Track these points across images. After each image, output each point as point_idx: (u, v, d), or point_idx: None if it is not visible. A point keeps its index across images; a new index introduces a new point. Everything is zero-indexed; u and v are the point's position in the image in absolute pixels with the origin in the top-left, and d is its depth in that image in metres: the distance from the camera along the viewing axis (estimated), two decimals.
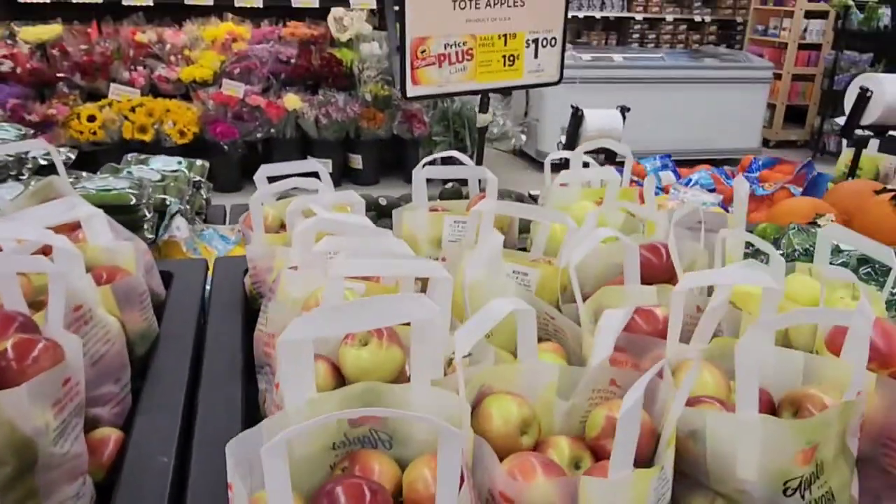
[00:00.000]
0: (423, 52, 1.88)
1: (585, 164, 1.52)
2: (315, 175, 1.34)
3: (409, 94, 2.00)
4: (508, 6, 1.97)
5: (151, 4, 5.34)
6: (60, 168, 1.23)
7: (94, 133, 4.67)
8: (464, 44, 1.94)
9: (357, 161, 5.32)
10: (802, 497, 0.68)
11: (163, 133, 4.78)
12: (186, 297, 1.26)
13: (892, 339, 0.85)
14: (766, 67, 6.25)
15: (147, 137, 4.75)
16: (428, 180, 1.32)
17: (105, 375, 0.95)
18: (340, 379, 0.78)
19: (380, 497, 0.61)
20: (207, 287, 1.35)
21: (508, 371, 0.77)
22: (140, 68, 5.05)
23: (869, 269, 1.18)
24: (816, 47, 7.06)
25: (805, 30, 7.00)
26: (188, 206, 1.90)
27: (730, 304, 1.03)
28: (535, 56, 2.06)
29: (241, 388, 0.99)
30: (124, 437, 0.90)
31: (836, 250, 1.27)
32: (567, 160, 1.51)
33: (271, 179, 1.31)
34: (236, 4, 5.45)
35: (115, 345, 0.97)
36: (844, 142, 3.75)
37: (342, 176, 5.34)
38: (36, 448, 0.71)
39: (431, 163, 1.39)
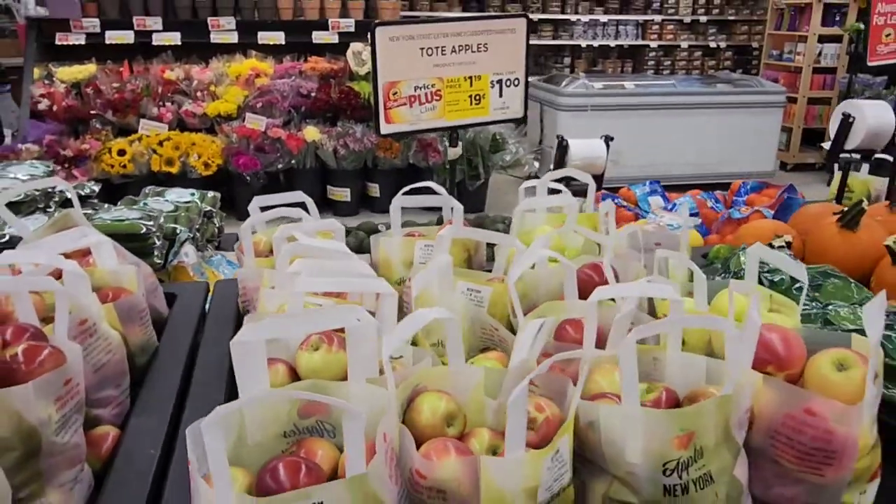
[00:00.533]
0: (394, 94, 2.04)
1: (558, 191, 1.65)
2: (303, 205, 1.49)
3: (382, 132, 2.20)
4: (473, 51, 2.13)
5: (180, 44, 5.61)
6: (76, 202, 1.39)
7: (124, 166, 4.92)
8: (432, 86, 2.11)
9: (375, 189, 5.50)
10: (680, 477, 0.78)
11: (189, 165, 5.01)
12: (186, 315, 1.41)
13: (792, 346, 0.96)
14: (779, 92, 6.32)
15: (174, 170, 4.99)
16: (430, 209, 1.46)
17: (106, 381, 1.09)
18: (297, 378, 0.91)
19: (314, 473, 0.74)
20: (207, 307, 1.49)
21: (440, 373, 0.89)
22: (168, 104, 5.31)
23: (801, 285, 1.27)
24: (831, 71, 7.11)
25: (819, 54, 7.06)
26: (199, 234, 2.05)
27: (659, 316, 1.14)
28: (500, 95, 2.21)
29: (225, 394, 1.12)
30: (121, 434, 1.04)
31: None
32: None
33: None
34: (260, 42, 5.70)
35: (116, 355, 1.11)
36: (866, 167, 3.81)
37: (360, 204, 5.52)
38: (40, 437, 0.85)
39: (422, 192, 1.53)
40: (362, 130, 5.23)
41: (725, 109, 6.14)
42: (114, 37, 5.49)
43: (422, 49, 2.10)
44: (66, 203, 2.06)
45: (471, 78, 2.15)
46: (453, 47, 2.13)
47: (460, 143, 2.27)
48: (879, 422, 0.96)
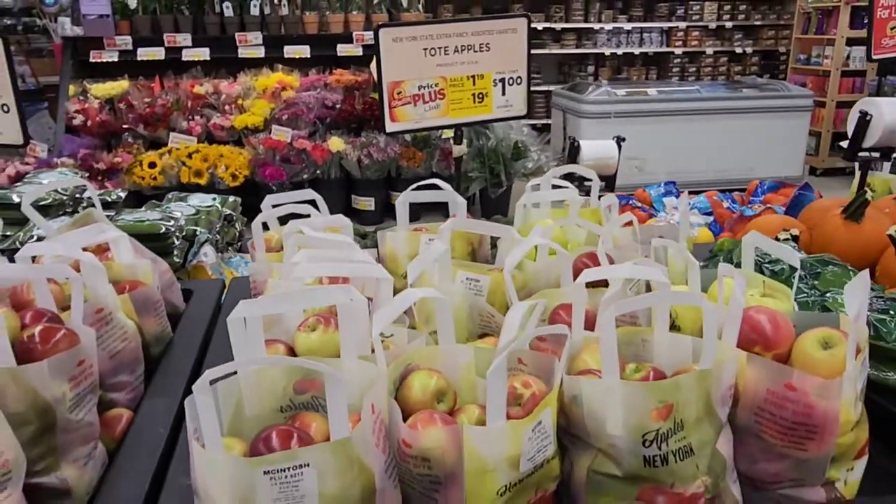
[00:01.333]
0: (399, 93, 2.10)
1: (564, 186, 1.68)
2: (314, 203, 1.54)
3: (387, 130, 2.27)
4: (475, 51, 2.19)
5: (208, 59, 5.76)
6: (97, 202, 1.46)
7: (155, 178, 5.05)
8: (436, 85, 2.16)
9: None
10: (660, 448, 0.80)
11: (217, 177, 5.13)
12: (201, 309, 1.46)
13: (779, 327, 0.97)
14: (806, 96, 6.26)
15: (202, 181, 5.10)
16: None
17: (122, 367, 1.14)
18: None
19: (304, 441, 0.78)
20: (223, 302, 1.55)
21: (432, 352, 0.92)
22: (197, 118, 5.44)
23: (800, 273, 1.28)
24: (860, 74, 7.01)
25: (847, 57, 6.97)
26: (219, 237, 2.12)
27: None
28: (503, 93, 2.26)
29: None
30: (134, 416, 1.09)
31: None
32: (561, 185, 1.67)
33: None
34: (286, 55, 5.82)
35: (131, 342, 1.17)
36: (888, 166, 3.77)
37: (385, 213, 5.57)
38: (55, 412, 0.91)
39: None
40: (386, 140, 5.30)
41: (751, 114, 6.10)
42: (145, 53, 5.65)
43: (425, 49, 2.16)
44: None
45: (473, 77, 2.20)
46: (456, 47, 2.19)
47: (465, 142, 2.32)
48: (871, 402, 0.98)
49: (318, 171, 5.29)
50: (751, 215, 2.19)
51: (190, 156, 5.18)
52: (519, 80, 2.24)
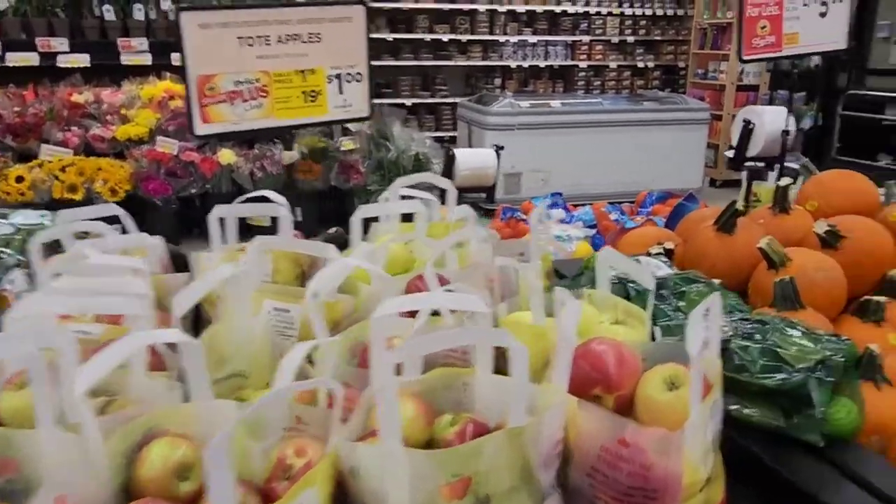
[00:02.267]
0: (210, 89, 1.87)
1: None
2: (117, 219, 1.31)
3: (197, 132, 1.93)
4: (303, 42, 1.97)
5: (89, 66, 5.37)
6: None
7: (23, 194, 4.62)
8: (256, 80, 1.94)
9: (297, 213, 5.29)
10: None
11: (94, 191, 4.74)
12: None
13: (624, 364, 0.81)
14: (703, 109, 6.38)
15: (77, 196, 4.71)
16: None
17: None
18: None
19: None
20: None
21: (183, 412, 0.72)
22: (74, 128, 5.03)
23: (662, 293, 1.14)
24: (754, 88, 7.23)
25: (742, 72, 7.17)
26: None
27: None
28: (340, 91, 2.05)
29: None
30: None
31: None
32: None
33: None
34: (174, 63, 5.48)
35: None
36: (773, 175, 3.81)
37: None
38: None
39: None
40: (281, 152, 5.04)
41: (652, 127, 6.15)
42: (16, 59, 5.21)
43: (240, 38, 1.91)
44: None
45: (303, 72, 1.97)
46: (279, 37, 1.95)
47: (296, 147, 2.09)
48: (732, 443, 0.83)
49: (207, 186, 4.98)
50: (631, 227, 2.08)
51: (64, 169, 4.78)
52: (359, 77, 2.02)
